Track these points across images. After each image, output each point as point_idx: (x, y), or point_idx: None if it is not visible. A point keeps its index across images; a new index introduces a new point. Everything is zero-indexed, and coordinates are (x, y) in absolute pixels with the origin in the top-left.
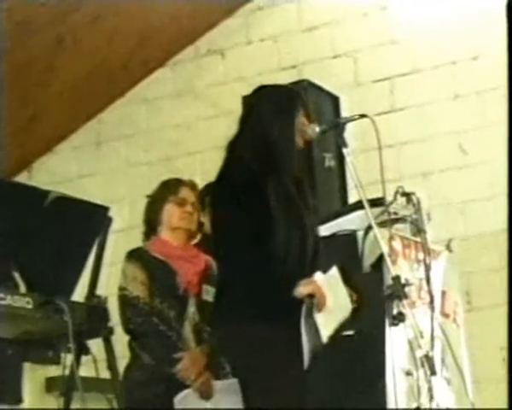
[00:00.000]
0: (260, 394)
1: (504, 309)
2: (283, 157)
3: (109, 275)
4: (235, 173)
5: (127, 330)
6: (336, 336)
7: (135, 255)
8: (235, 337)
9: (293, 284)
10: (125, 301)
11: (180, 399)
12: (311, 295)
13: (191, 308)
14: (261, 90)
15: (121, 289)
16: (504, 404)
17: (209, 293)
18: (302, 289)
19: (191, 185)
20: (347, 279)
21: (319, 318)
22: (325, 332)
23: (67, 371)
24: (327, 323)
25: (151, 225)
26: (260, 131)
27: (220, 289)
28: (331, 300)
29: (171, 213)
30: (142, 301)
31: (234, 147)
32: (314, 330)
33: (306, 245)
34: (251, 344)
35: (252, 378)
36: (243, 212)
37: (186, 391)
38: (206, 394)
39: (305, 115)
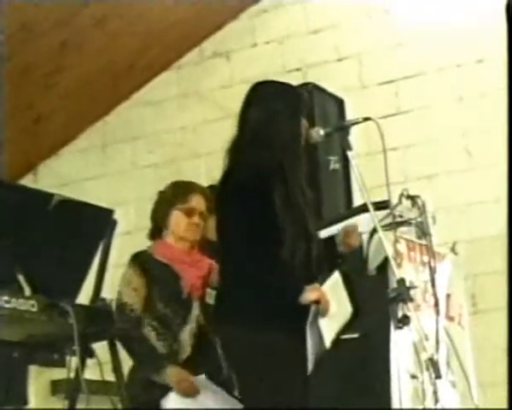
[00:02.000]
0: (262, 398)
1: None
2: (292, 159)
3: (114, 278)
4: (240, 176)
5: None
6: (338, 339)
7: (138, 259)
8: (238, 341)
9: (298, 290)
10: (115, 307)
11: (166, 404)
12: (316, 301)
13: (195, 312)
14: (261, 86)
15: (118, 292)
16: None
17: (212, 297)
18: (308, 296)
19: (203, 192)
20: (348, 283)
21: (323, 323)
22: (328, 337)
23: (72, 374)
24: (330, 328)
25: (157, 226)
26: (266, 131)
27: (222, 291)
28: (334, 305)
29: (177, 221)
30: (128, 308)
31: (237, 148)
32: (318, 336)
33: (311, 250)
34: (254, 349)
35: (254, 383)
36: (248, 216)
37: (170, 396)
38: (190, 393)
39: (307, 117)
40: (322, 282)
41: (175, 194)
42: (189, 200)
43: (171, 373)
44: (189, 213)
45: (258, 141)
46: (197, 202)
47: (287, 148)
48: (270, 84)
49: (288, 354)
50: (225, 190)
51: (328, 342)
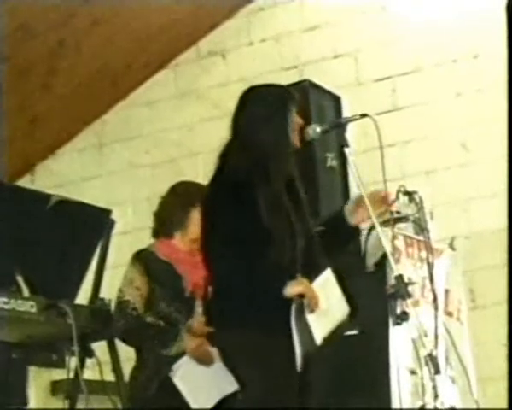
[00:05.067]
0: (256, 395)
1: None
2: (275, 159)
3: (112, 278)
4: (226, 178)
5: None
6: (333, 337)
7: (140, 258)
8: (229, 342)
9: (284, 286)
10: (116, 304)
11: (178, 367)
12: (301, 296)
13: (198, 310)
14: (251, 91)
15: (119, 290)
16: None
17: None
18: (290, 289)
19: None
20: (342, 281)
21: (311, 319)
22: (319, 334)
23: (72, 375)
24: (320, 324)
25: (167, 225)
26: (251, 135)
27: (213, 293)
28: (324, 302)
29: (195, 222)
30: (131, 307)
31: (227, 151)
32: (306, 332)
33: (296, 250)
34: (244, 349)
35: (248, 384)
36: (235, 217)
37: (183, 359)
38: (204, 361)
39: (300, 114)
40: (313, 279)
41: (194, 195)
42: None
43: (190, 343)
44: None
45: (243, 145)
46: None
47: (269, 150)
48: (259, 88)
49: (277, 351)
50: (212, 193)
51: (318, 339)
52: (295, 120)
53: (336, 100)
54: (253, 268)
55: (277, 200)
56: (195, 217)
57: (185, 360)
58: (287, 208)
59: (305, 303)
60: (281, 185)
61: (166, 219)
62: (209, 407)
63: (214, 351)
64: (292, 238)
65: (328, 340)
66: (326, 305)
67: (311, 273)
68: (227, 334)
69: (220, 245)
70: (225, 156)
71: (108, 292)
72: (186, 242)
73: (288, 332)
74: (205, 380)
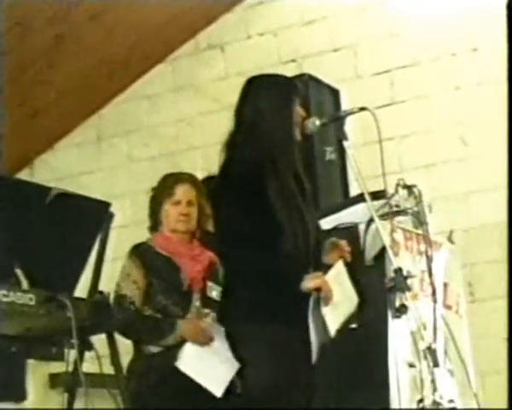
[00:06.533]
0: (270, 391)
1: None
2: (284, 151)
3: (111, 271)
4: (236, 171)
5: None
6: (343, 329)
7: (137, 251)
8: (243, 338)
9: (300, 280)
10: (114, 298)
11: (182, 355)
12: (317, 289)
13: (195, 304)
14: (255, 80)
15: (116, 284)
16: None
17: (213, 290)
18: (308, 283)
19: (190, 181)
20: (352, 273)
21: (326, 312)
22: (333, 326)
23: (71, 368)
24: (334, 317)
25: (154, 221)
26: (259, 125)
27: (227, 287)
28: (338, 294)
29: (167, 214)
30: (128, 301)
31: (232, 143)
32: (321, 325)
33: (309, 240)
34: (261, 343)
35: (261, 377)
36: (246, 210)
37: (185, 346)
38: (203, 340)
39: (302, 106)
40: (325, 271)
41: (162, 188)
42: (174, 191)
43: (185, 327)
44: (177, 204)
45: (250, 136)
46: (183, 191)
47: (278, 141)
48: (262, 78)
49: (294, 345)
50: (221, 186)
51: (332, 331)
52: (298, 111)
53: (335, 93)
54: (267, 262)
55: (288, 192)
56: (167, 211)
57: (187, 346)
58: (297, 201)
59: (321, 297)
60: (290, 177)
61: (149, 214)
62: (226, 383)
63: (210, 328)
64: (304, 231)
65: (340, 332)
66: (338, 297)
67: (320, 266)
68: (241, 327)
69: (232, 239)
70: (231, 148)
71: (107, 285)
72: (172, 233)
73: (303, 325)
74: (212, 360)
